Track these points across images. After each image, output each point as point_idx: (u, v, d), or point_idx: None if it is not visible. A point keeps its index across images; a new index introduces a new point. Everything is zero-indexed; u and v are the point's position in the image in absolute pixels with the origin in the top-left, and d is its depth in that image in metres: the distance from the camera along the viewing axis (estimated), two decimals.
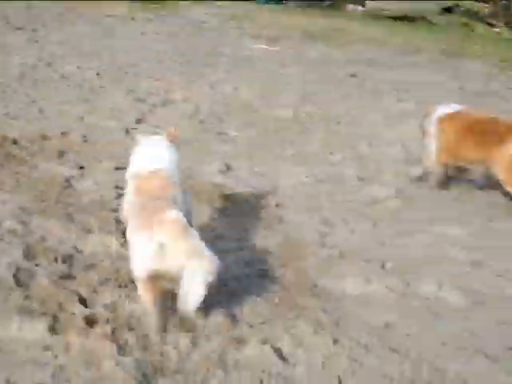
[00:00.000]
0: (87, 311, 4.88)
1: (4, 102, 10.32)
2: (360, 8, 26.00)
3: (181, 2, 22.76)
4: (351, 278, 5.76)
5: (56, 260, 5.54)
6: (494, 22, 21.62)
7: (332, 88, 12.61)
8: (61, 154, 8.10)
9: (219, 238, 6.27)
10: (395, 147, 9.25)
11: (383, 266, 6.02)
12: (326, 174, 8.13)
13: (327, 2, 25.55)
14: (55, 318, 4.73)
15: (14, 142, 8.33)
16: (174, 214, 4.74)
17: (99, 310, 4.92)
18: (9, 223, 6.02)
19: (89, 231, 6.11)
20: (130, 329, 4.76)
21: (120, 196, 6.86)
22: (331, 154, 8.74)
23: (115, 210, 6.58)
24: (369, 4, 24.78)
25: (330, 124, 10.23)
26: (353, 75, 13.93)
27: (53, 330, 4.62)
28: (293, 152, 8.78)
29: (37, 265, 5.41)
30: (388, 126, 10.33)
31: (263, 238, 6.36)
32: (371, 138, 9.64)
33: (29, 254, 5.55)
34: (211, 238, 6.17)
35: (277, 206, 7.20)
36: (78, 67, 12.89)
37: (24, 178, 7.20)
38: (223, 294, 5.26)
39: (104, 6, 20.62)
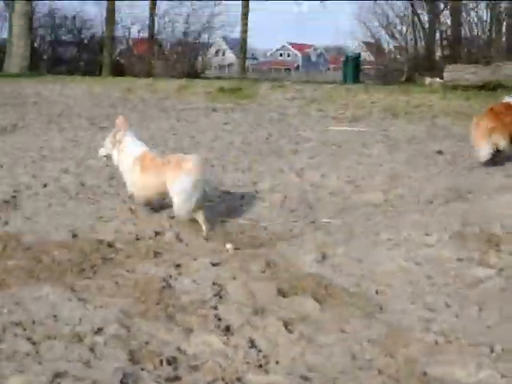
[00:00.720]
0: None
1: (96, 205, 10.55)
2: (438, 80, 26.01)
3: (260, 89, 23.14)
4: (461, 364, 5.58)
5: (161, 363, 5.53)
6: None
7: (420, 167, 12.51)
8: (156, 253, 8.21)
9: (320, 329, 6.19)
10: (495, 225, 8.75)
11: (492, 351, 5.82)
12: (424, 256, 7.96)
13: (404, 77, 25.63)
14: None
15: (109, 245, 8.52)
16: None
17: None
18: (113, 328, 6.07)
19: (191, 331, 6.10)
20: None
21: (218, 293, 6.93)
22: (427, 235, 8.59)
23: (215, 308, 6.60)
24: (446, 75, 24.75)
25: (422, 205, 10.10)
26: (439, 152, 13.83)
27: None
28: (388, 236, 8.64)
29: (142, 369, 5.40)
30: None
31: (366, 328, 6.25)
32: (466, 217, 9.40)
33: (133, 359, 5.57)
34: (312, 329, 6.14)
35: (377, 293, 7.09)
36: None
37: (123, 281, 7.28)
38: None
39: (184, 99, 21.11)
